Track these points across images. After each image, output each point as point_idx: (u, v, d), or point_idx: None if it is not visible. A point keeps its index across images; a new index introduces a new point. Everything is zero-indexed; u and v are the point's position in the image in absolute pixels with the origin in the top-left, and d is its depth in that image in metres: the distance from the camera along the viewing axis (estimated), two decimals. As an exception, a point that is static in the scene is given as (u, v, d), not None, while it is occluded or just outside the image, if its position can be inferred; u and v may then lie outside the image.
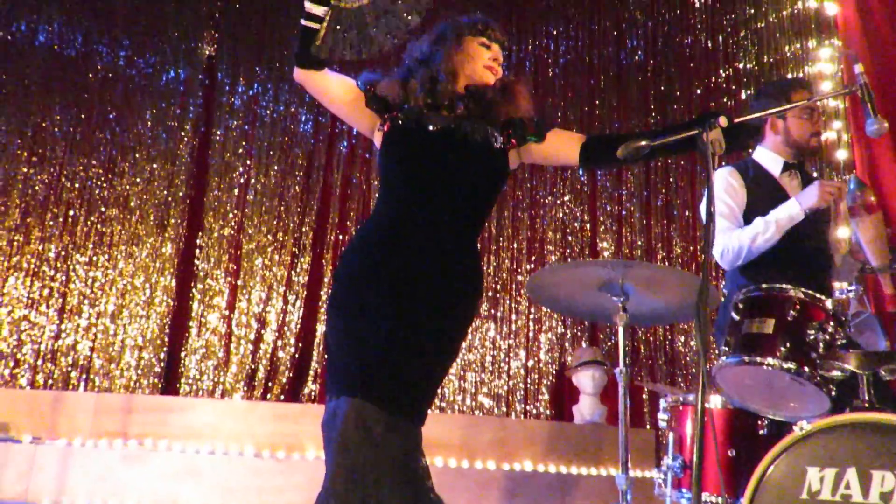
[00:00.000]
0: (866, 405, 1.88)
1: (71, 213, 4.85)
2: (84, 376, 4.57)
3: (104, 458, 3.34)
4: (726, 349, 2.14)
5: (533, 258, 5.19)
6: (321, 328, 4.91)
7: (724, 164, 2.83)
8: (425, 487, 1.75)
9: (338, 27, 1.88)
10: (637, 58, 5.62)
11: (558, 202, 5.32)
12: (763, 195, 2.70)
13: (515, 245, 5.21)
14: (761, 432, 2.29)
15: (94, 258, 4.80)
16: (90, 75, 5.11)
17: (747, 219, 2.67)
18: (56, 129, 4.97)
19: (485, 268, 4.96)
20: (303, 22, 1.92)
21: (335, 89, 2.03)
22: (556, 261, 5.08)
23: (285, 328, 4.90)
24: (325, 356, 4.56)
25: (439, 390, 3.83)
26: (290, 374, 4.79)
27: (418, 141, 1.95)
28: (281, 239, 5.06)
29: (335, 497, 1.64)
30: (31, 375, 4.50)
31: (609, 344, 5.03)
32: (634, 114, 5.50)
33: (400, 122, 1.98)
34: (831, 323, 2.04)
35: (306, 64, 1.96)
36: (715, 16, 5.52)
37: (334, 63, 2.00)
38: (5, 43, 5.03)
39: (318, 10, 1.90)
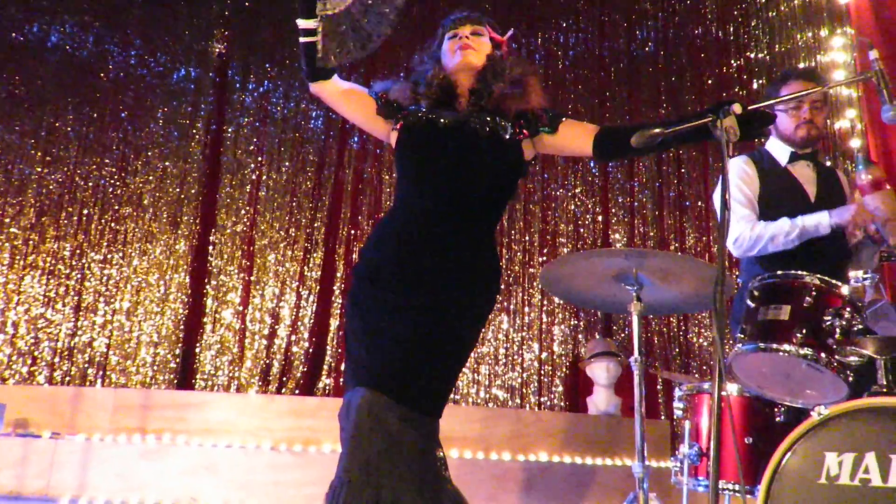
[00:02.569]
0: (885, 390, 1.88)
1: (85, 211, 4.89)
2: (101, 373, 4.61)
3: (123, 453, 3.37)
4: (742, 336, 2.13)
5: (545, 251, 5.19)
6: (335, 323, 4.94)
7: (737, 153, 2.82)
8: (442, 479, 1.76)
9: (333, 33, 1.91)
10: (647, 49, 5.60)
11: (570, 194, 5.32)
12: (775, 184, 2.69)
13: (528, 238, 5.21)
14: (778, 419, 2.28)
15: (109, 256, 4.84)
16: (102, 76, 5.16)
17: (760, 208, 2.67)
18: (69, 129, 5.02)
19: (497, 261, 4.96)
20: (301, 40, 1.95)
21: (348, 97, 2.09)
22: (569, 253, 5.08)
23: (299, 323, 4.92)
24: (343, 350, 4.58)
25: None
26: (305, 369, 4.81)
27: (429, 137, 1.99)
28: (293, 235, 5.08)
29: (349, 486, 1.64)
30: (48, 372, 4.55)
31: (622, 336, 5.02)
32: (645, 106, 5.48)
33: (411, 120, 2.01)
34: (848, 309, 2.03)
35: (314, 77, 2.02)
36: (726, 6, 5.49)
37: (344, 68, 2.03)
38: (18, 45, 5.08)
39: (311, 24, 1.93)
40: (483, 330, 4.89)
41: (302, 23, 1.93)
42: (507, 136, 1.99)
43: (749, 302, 2.17)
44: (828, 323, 2.01)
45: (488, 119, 1.99)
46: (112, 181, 4.99)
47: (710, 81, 5.44)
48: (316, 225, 5.13)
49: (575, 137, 2.05)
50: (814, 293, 2.06)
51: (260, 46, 5.36)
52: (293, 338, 4.89)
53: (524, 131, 2.03)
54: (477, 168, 1.95)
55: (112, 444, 3.45)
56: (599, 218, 5.30)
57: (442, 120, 1.99)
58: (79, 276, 4.78)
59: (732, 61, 5.41)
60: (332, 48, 1.92)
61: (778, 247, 2.55)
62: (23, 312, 4.64)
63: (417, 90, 2.07)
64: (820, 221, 2.50)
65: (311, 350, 4.87)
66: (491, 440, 3.84)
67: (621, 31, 5.63)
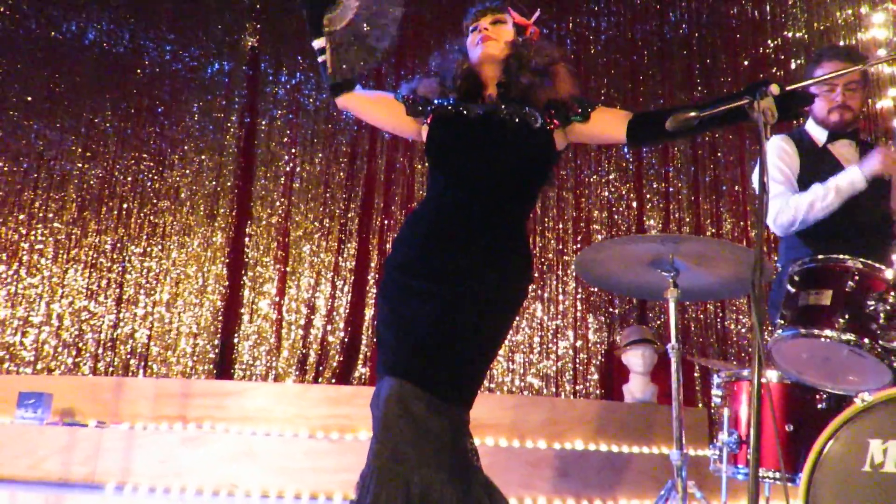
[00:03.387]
0: (931, 376, 1.83)
1: (125, 205, 5.00)
2: (142, 363, 4.72)
3: (165, 440, 3.44)
4: (782, 322, 2.09)
5: (579, 238, 5.15)
6: (369, 312, 4.98)
7: (774, 134, 2.76)
8: (473, 468, 1.76)
9: (340, 49, 1.96)
10: (681, 31, 5.50)
11: (603, 181, 5.27)
12: (815, 164, 2.63)
13: (561, 225, 5.18)
14: (820, 406, 2.24)
15: (149, 249, 4.94)
16: (138, 71, 5.25)
17: (799, 187, 2.61)
18: (107, 125, 5.12)
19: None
20: (319, 59, 2.02)
21: (375, 106, 2.13)
22: (604, 239, 5.03)
23: (334, 313, 4.97)
24: (376, 340, 4.62)
25: (487, 372, 3.85)
26: (341, 358, 4.86)
27: (459, 129, 1.99)
28: (327, 225, 5.13)
29: (378, 472, 1.66)
30: (92, 363, 4.67)
31: (658, 323, 4.97)
32: (679, 89, 5.38)
33: (441, 113, 2.03)
34: (892, 293, 1.97)
35: (335, 92, 2.07)
36: (761, -17, 5.37)
37: (357, 80, 2.07)
38: (57, 43, 5.19)
39: (320, 43, 1.99)
40: (517, 319, 4.92)
41: (315, 43, 1.99)
42: (538, 126, 1.97)
43: (789, 287, 2.13)
44: (871, 308, 1.96)
45: (517, 109, 1.98)
46: (150, 175, 5.09)
47: (745, 62, 5.32)
48: (349, 215, 5.17)
49: (608, 125, 2.02)
50: (856, 277, 2.01)
51: (291, 38, 5.40)
52: (329, 327, 4.94)
53: (555, 121, 2.01)
54: (506, 159, 1.94)
55: (154, 432, 3.53)
56: (634, 204, 5.24)
57: (471, 112, 1.99)
58: (120, 268, 4.89)
59: (769, 41, 5.27)
60: (341, 62, 1.97)
61: (818, 214, 2.48)
62: (67, 305, 4.76)
63: (445, 84, 2.08)
64: (853, 177, 2.44)
65: (346, 340, 4.92)
66: (525, 427, 3.84)
67: (654, 14, 5.53)
